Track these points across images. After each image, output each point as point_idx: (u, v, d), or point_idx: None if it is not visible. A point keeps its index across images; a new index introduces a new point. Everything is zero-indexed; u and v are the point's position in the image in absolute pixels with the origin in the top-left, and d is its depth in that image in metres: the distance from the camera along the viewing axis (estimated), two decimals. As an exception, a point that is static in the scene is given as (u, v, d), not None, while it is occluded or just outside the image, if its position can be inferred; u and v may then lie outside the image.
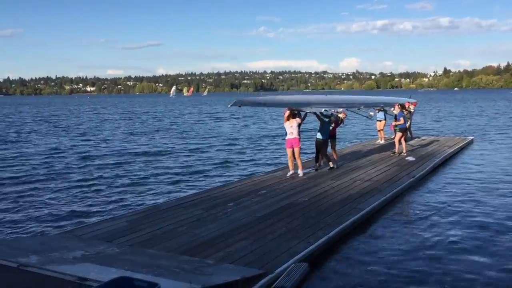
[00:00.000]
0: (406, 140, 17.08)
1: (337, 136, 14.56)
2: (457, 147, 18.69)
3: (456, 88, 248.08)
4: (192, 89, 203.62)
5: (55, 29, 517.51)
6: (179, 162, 18.22)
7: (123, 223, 8.47)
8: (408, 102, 19.37)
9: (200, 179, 14.76)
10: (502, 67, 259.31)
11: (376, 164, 14.38)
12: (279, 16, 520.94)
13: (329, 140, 13.52)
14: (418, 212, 9.87)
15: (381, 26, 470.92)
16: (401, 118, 16.17)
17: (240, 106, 10.80)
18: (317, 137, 13.14)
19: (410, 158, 15.32)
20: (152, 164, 17.73)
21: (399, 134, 16.31)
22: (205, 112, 59.85)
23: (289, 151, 12.54)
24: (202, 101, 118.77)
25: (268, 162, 18.06)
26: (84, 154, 20.75)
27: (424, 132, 27.22)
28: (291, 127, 12.18)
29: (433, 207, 10.24)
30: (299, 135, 12.42)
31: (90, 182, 14.23)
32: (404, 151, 16.35)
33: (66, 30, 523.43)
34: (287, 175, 12.53)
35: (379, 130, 20.18)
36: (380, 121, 19.77)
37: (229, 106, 10.57)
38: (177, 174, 15.61)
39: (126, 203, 11.68)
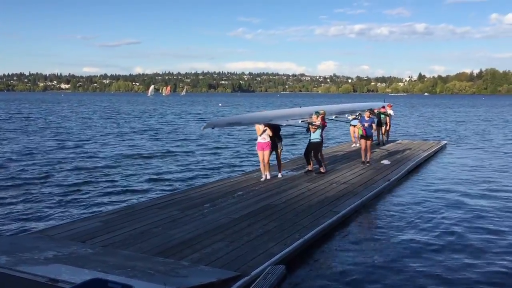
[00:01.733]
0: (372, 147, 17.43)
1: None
2: (431, 151, 18.98)
3: (426, 94, 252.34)
4: (169, 88, 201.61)
5: (30, 24, 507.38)
6: (156, 163, 18.04)
7: (97, 223, 8.33)
8: (384, 108, 19.88)
9: (177, 179, 14.63)
10: (475, 74, 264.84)
11: (352, 167, 14.49)
12: (258, 17, 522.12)
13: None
14: (393, 215, 9.97)
15: (358, 31, 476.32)
16: (372, 125, 15.37)
17: (213, 128, 10.69)
18: (313, 139, 13.05)
19: (386, 162, 15.48)
20: (128, 165, 17.51)
21: (368, 142, 15.19)
22: (189, 113, 59.34)
23: (260, 154, 12.42)
24: (181, 101, 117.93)
25: (245, 163, 18.03)
26: (58, 154, 20.37)
27: (399, 136, 27.57)
28: (264, 132, 12.14)
29: (408, 210, 10.37)
30: (278, 138, 12.59)
31: (64, 182, 13.97)
32: (368, 159, 15.29)
33: (41, 26, 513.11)
34: (261, 179, 12.35)
35: (353, 135, 19.97)
36: (355, 126, 19.31)
37: (202, 129, 10.59)
38: (153, 174, 15.45)
39: (100, 203, 11.50)
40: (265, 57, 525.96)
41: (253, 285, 5.82)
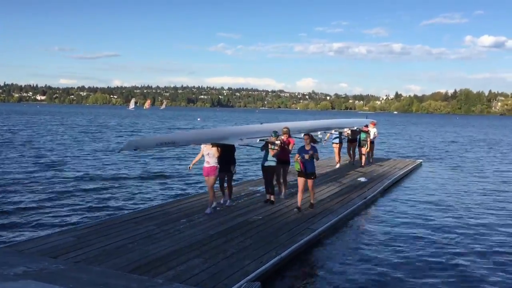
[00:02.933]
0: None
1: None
2: (407, 169, 19.22)
3: (395, 112, 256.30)
4: (149, 102, 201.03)
5: (4, 33, 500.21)
6: (132, 176, 17.82)
7: (70, 238, 8.16)
8: (367, 126, 18.95)
9: (154, 193, 14.47)
10: (449, 94, 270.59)
11: (329, 185, 14.55)
12: (239, 33, 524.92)
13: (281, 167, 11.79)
14: (369, 233, 10.03)
15: (337, 49, 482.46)
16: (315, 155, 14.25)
17: (135, 150, 8.09)
18: (267, 162, 11.17)
19: (362, 179, 15.61)
20: (105, 179, 17.25)
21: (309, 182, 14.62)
22: (178, 127, 58.97)
23: (206, 180, 10.65)
24: (164, 115, 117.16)
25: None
26: (32, 167, 19.98)
27: (376, 154, 27.84)
28: (207, 155, 10.33)
29: (384, 228, 10.46)
30: (221, 163, 10.52)
31: (37, 195, 13.68)
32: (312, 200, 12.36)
33: (17, 36, 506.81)
34: (208, 209, 10.41)
35: (337, 154, 18.85)
36: (336, 143, 18.79)
37: (118, 152, 9.94)
38: (131, 188, 15.25)
39: (74, 217, 11.27)
40: (245, 73, 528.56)
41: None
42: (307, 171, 10.57)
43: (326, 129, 16.14)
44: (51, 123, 58.37)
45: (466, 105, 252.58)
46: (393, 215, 11.79)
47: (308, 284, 7.06)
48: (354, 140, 19.19)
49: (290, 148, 11.61)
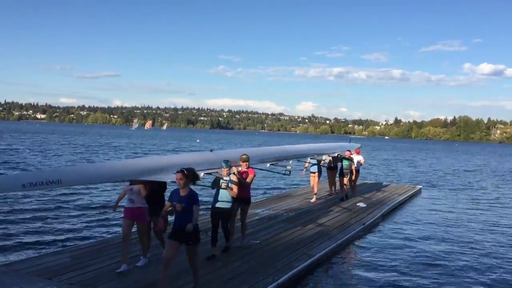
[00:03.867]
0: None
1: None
2: (406, 195, 19.16)
3: (386, 137, 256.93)
4: (151, 122, 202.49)
5: (6, 52, 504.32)
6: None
7: (65, 259, 8.09)
8: (350, 152, 16.33)
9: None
10: (448, 120, 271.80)
11: (327, 209, 14.48)
12: (239, 56, 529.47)
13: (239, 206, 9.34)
14: (368, 259, 9.95)
15: (337, 73, 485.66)
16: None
17: None
18: (219, 205, 8.65)
19: (361, 205, 15.55)
20: (106, 196, 17.18)
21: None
22: (181, 148, 59.06)
23: (126, 225, 7.88)
24: (167, 136, 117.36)
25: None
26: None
27: (375, 179, 27.82)
28: (130, 191, 7.88)
29: (383, 255, 10.38)
30: (150, 204, 8.04)
31: (35, 214, 13.58)
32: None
33: (18, 54, 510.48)
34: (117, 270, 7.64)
35: (315, 184, 16.10)
36: (314, 173, 16.08)
37: None
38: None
39: (72, 237, 11.18)
40: (245, 95, 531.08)
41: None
42: (180, 228, 6.45)
43: (300, 156, 12.80)
44: (54, 143, 58.37)
45: (465, 132, 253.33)
46: (392, 241, 11.71)
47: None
48: (334, 167, 16.81)
49: (249, 181, 9.16)
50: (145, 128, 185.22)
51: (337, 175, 16.86)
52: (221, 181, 8.27)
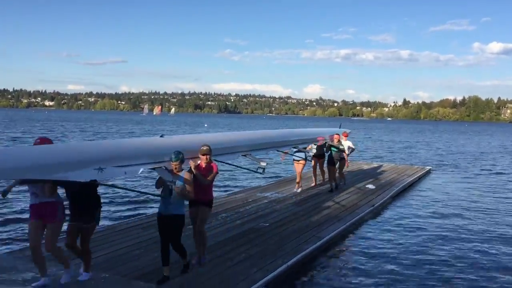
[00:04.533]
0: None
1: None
2: (415, 176, 19.07)
3: (388, 119, 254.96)
4: (160, 108, 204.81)
5: (13, 39, 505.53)
6: (140, 182, 17.81)
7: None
8: (338, 135, 14.32)
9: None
10: (458, 101, 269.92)
11: (336, 191, 14.44)
12: (245, 39, 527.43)
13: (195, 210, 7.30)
14: (377, 241, 9.93)
15: (344, 55, 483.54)
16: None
17: None
18: (169, 212, 6.61)
19: (370, 186, 15.49)
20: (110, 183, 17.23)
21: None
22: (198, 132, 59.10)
23: (33, 227, 6.03)
24: (176, 121, 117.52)
25: (228, 184, 17.89)
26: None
27: (383, 160, 27.71)
28: (32, 186, 6.01)
29: (392, 236, 10.35)
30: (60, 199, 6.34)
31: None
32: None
33: (25, 41, 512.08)
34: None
35: (298, 174, 14.22)
36: (298, 161, 14.10)
37: None
38: (138, 194, 15.21)
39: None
40: (252, 79, 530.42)
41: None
42: None
43: (280, 145, 10.65)
44: (70, 129, 58.66)
45: (475, 112, 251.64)
46: (402, 222, 11.67)
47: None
48: (321, 155, 14.92)
49: (210, 179, 7.13)
50: (154, 113, 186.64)
51: (325, 164, 15.02)
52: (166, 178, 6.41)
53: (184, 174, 6.60)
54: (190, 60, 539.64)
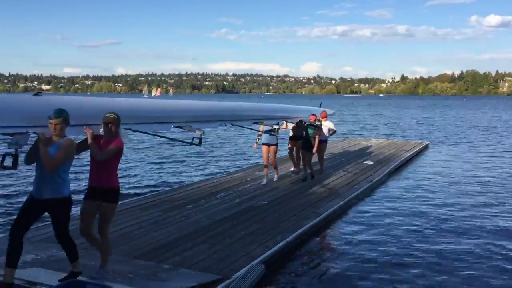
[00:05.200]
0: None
1: None
2: (413, 151, 19.13)
3: (380, 94, 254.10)
4: (160, 89, 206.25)
5: (6, 23, 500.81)
6: (138, 163, 17.87)
7: (76, 226, 8.16)
8: (314, 115, 12.31)
9: (159, 179, 14.50)
10: (456, 75, 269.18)
11: (335, 168, 14.51)
12: (241, 18, 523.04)
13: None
14: (376, 216, 10.01)
15: (341, 32, 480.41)
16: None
17: None
18: (42, 195, 5.15)
19: (369, 162, 15.56)
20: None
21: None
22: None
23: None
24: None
25: (228, 163, 17.96)
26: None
27: (382, 136, 27.76)
28: None
29: (391, 211, 10.43)
30: None
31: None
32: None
33: (18, 25, 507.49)
34: None
35: (266, 157, 12.16)
36: (267, 145, 12.02)
37: None
38: (135, 175, 15.29)
39: (80, 204, 11.27)
40: (249, 58, 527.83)
41: (232, 284, 5.77)
42: None
43: (233, 118, 8.70)
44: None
45: (473, 86, 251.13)
46: (400, 197, 11.76)
47: (314, 267, 7.08)
48: (298, 137, 12.54)
49: (105, 154, 5.47)
50: (153, 95, 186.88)
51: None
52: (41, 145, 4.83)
53: (63, 142, 5.02)
54: (186, 41, 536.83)
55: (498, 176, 14.96)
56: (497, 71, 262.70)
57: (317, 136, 12.47)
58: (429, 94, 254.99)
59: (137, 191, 12.85)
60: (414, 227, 9.22)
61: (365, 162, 15.61)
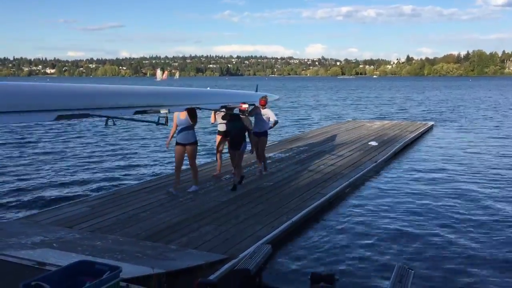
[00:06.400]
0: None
1: None
2: (417, 132, 19.12)
3: (375, 76, 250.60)
4: (166, 73, 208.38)
5: (10, 7, 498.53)
6: (142, 146, 17.96)
7: (84, 208, 8.29)
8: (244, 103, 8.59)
9: (164, 162, 14.58)
10: (462, 56, 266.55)
11: (339, 149, 14.54)
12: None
13: None
14: (380, 196, 10.06)
15: (345, 13, 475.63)
16: None
17: None
18: None
19: (373, 143, 15.57)
20: (117, 148, 17.41)
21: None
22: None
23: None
24: (189, 84, 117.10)
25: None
26: (46, 143, 20.19)
27: (386, 117, 27.70)
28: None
29: (395, 192, 10.48)
30: None
31: (51, 168, 13.86)
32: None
33: (21, 9, 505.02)
34: None
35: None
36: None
37: None
38: (141, 158, 15.39)
39: (87, 188, 11.43)
40: (253, 40, 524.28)
41: (239, 264, 5.85)
42: None
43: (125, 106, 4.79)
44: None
45: (479, 66, 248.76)
46: (405, 178, 11.80)
47: (319, 247, 7.15)
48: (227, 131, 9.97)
49: None
50: (158, 79, 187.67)
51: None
52: None
53: None
54: (190, 23, 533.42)
55: (503, 157, 14.95)
56: (503, 51, 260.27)
57: (248, 128, 9.69)
58: (434, 75, 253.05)
59: (142, 174, 12.96)
60: (418, 207, 9.28)
61: (369, 143, 15.62)
